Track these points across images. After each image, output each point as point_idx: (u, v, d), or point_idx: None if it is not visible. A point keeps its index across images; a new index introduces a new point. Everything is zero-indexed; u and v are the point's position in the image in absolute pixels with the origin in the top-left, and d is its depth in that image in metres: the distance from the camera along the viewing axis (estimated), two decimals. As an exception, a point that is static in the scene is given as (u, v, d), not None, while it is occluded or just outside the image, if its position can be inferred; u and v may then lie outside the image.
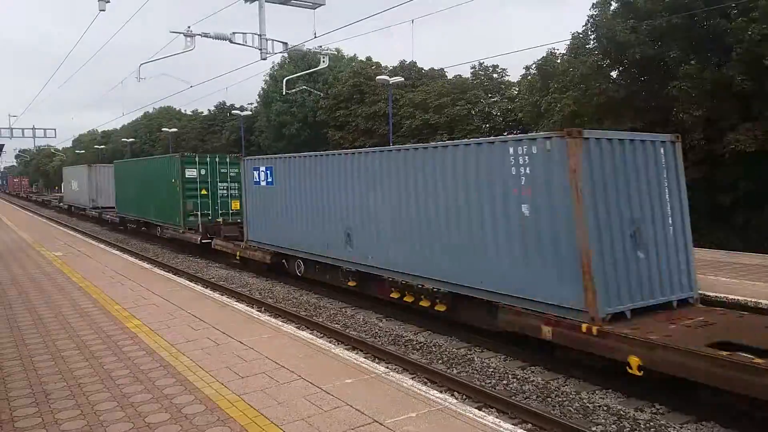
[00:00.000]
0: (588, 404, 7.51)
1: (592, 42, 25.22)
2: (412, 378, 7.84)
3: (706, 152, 20.44)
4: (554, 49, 29.19)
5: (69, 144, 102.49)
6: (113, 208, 31.27)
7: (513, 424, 5.98)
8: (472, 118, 36.99)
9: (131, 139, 71.67)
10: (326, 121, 43.86)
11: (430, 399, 5.71)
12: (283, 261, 15.71)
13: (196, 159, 21.91)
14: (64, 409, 5.49)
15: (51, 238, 22.02)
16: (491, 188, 9.11)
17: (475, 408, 6.15)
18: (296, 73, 36.57)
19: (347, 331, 11.17)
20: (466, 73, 40.05)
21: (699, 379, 6.60)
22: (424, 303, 10.82)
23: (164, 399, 5.71)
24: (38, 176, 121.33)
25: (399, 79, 31.44)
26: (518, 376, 8.57)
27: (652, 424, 6.93)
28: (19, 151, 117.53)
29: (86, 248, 18.96)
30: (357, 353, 8.77)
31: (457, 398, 7.25)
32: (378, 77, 31.99)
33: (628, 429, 6.87)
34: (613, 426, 6.93)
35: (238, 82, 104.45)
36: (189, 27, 16.70)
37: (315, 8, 16.44)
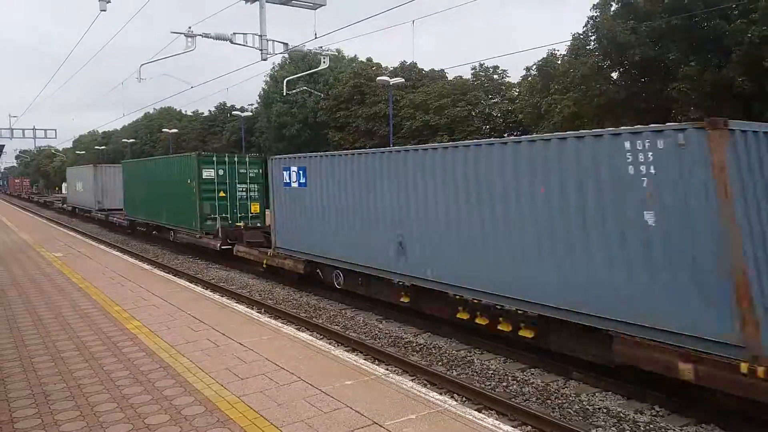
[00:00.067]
0: (588, 406, 7.51)
1: (592, 43, 25.26)
2: (412, 380, 7.84)
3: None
4: (555, 50, 29.25)
5: (69, 145, 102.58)
6: (121, 210, 30.21)
7: (513, 426, 5.99)
8: (473, 119, 37.05)
9: (132, 140, 71.70)
10: (326, 122, 43.90)
11: (429, 401, 5.70)
12: (318, 271, 14.22)
13: (214, 159, 20.47)
14: (63, 410, 5.49)
15: (51, 239, 22.01)
16: (598, 191, 7.56)
17: (475, 410, 6.15)
18: (297, 73, 36.60)
19: (347, 332, 11.17)
20: (467, 74, 40.20)
21: None
22: (504, 327, 9.30)
23: (164, 400, 5.71)
24: (39, 177, 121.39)
25: (399, 80, 31.49)
26: (518, 378, 8.57)
27: (652, 426, 6.93)
28: (19, 152, 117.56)
29: (86, 249, 18.96)
30: (357, 355, 8.76)
31: (456, 400, 7.26)
32: (378, 78, 32.04)
33: (628, 431, 6.86)
34: (613, 428, 6.93)
35: (239, 82, 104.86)
36: (190, 27, 16.67)
37: (315, 9, 16.43)
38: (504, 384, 8.38)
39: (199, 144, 58.56)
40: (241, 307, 10.39)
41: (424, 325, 11.34)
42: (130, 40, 49.03)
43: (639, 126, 7.29)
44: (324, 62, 20.06)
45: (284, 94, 37.63)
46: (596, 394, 7.94)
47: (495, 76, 38.77)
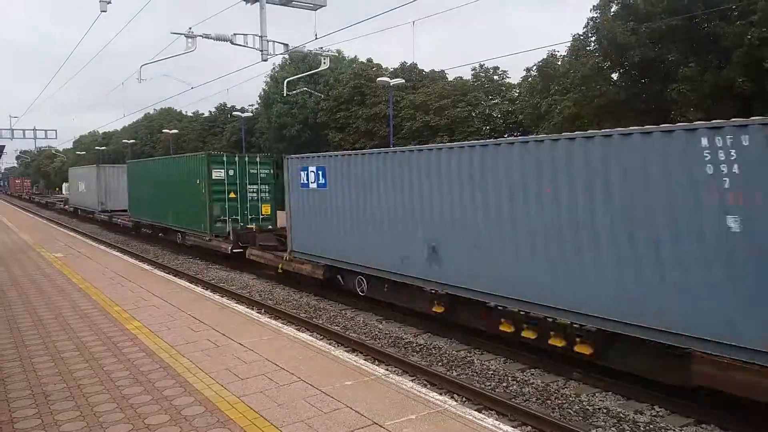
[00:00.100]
0: (588, 407, 7.51)
1: (592, 44, 25.27)
2: (412, 380, 7.84)
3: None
4: (555, 51, 29.25)
5: (70, 145, 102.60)
6: (125, 211, 29.63)
7: (513, 427, 5.99)
8: (473, 120, 37.06)
9: (132, 141, 71.72)
10: (327, 123, 43.89)
11: (429, 401, 5.71)
12: (338, 276, 13.50)
13: (225, 158, 19.82)
14: (63, 411, 5.49)
15: (51, 240, 22.02)
16: (668, 192, 6.89)
17: (475, 410, 6.15)
18: (297, 74, 36.60)
19: (347, 333, 11.17)
20: (467, 74, 40.21)
21: None
22: (556, 341, 8.48)
23: (164, 400, 5.72)
24: (39, 177, 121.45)
25: (400, 80, 31.48)
26: (518, 379, 8.57)
27: (651, 426, 6.93)
28: (19, 152, 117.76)
29: (86, 249, 18.97)
30: (357, 355, 8.77)
31: (456, 400, 7.26)
32: (379, 79, 32.00)
33: (627, 431, 6.87)
34: (613, 428, 6.93)
35: (239, 83, 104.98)
36: (190, 28, 16.66)
37: (316, 10, 16.44)
38: (504, 384, 8.38)
39: (199, 145, 58.57)
40: (241, 308, 10.39)
41: (424, 326, 11.34)
42: (131, 41, 49.11)
43: (718, 121, 6.64)
44: (324, 63, 20.06)
45: (284, 94, 37.61)
46: (596, 395, 7.95)
47: (495, 77, 38.76)
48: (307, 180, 14.12)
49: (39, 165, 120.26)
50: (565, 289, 8.12)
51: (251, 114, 51.47)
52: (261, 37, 16.38)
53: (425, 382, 8.21)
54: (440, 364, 9.36)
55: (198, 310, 9.66)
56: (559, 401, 7.72)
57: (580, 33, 25.81)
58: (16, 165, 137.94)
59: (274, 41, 16.93)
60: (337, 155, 13.46)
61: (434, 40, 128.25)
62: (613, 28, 22.50)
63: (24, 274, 13.66)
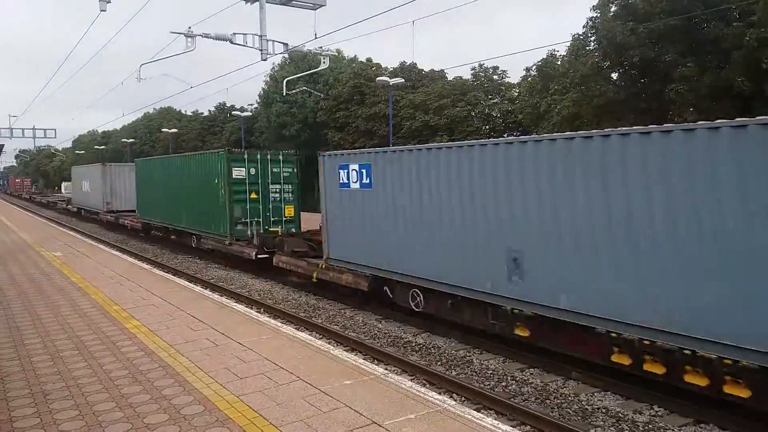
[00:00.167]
0: (587, 406, 7.51)
1: (592, 43, 25.30)
2: (411, 379, 7.84)
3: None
4: (554, 50, 29.30)
5: (69, 144, 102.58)
6: (132, 211, 28.44)
7: (512, 426, 5.98)
8: (472, 120, 37.11)
9: (131, 140, 71.72)
10: (326, 122, 43.92)
11: (428, 400, 5.71)
12: (386, 288, 11.97)
13: (245, 156, 18.41)
14: (62, 410, 5.49)
15: (51, 239, 22.01)
16: None
17: (474, 410, 6.15)
18: (297, 74, 36.61)
19: (346, 332, 11.16)
20: (467, 74, 40.21)
21: None
22: (693, 378, 6.90)
23: (163, 400, 5.71)
24: (38, 176, 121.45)
25: (399, 80, 31.48)
26: (517, 378, 8.57)
27: (650, 426, 6.93)
28: (19, 152, 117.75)
29: (86, 248, 18.97)
30: (356, 354, 8.77)
31: (455, 400, 7.26)
32: (378, 78, 32.02)
33: (626, 431, 6.87)
34: (612, 428, 6.93)
35: (239, 83, 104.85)
36: (190, 28, 16.67)
37: (315, 9, 16.45)
38: (503, 384, 8.39)
39: (198, 144, 58.61)
40: (241, 307, 10.39)
41: (424, 325, 11.34)
42: (130, 40, 49.04)
43: None
44: (324, 62, 20.05)
45: (284, 94, 37.66)
46: (595, 394, 7.95)
47: (495, 77, 38.80)
48: (348, 179, 12.62)
49: (38, 164, 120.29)
50: (727, 314, 6.34)
51: (251, 113, 51.51)
52: (260, 36, 16.39)
53: (424, 382, 8.21)
54: (439, 363, 9.36)
55: (197, 309, 9.66)
56: (558, 401, 7.72)
57: (580, 33, 25.86)
58: (15, 164, 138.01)
59: (273, 41, 16.94)
60: (386, 151, 11.96)
61: (434, 39, 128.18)
62: (613, 28, 22.54)
63: (23, 274, 13.66)
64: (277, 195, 18.54)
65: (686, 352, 6.84)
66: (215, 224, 18.73)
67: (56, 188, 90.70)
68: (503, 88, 38.59)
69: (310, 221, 19.33)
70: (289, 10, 16.33)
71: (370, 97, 40.68)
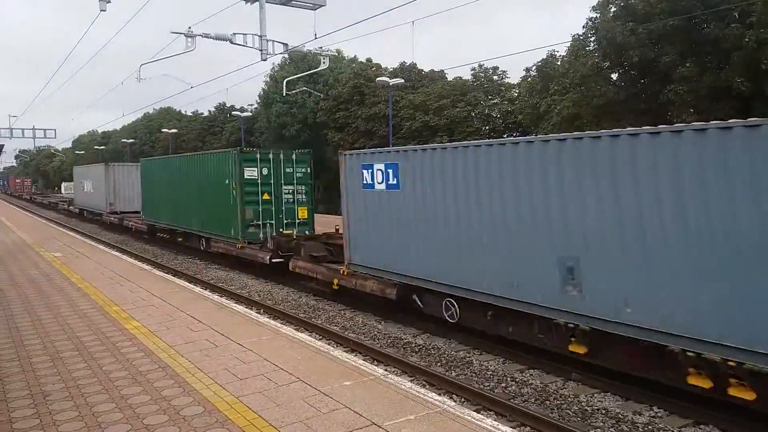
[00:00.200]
0: (586, 407, 7.51)
1: (592, 44, 25.33)
2: (411, 380, 7.84)
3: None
4: (554, 51, 29.33)
5: (69, 145, 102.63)
6: (136, 213, 27.92)
7: (511, 427, 5.99)
8: (472, 120, 37.15)
9: (131, 140, 71.74)
10: (326, 123, 43.95)
11: (428, 401, 5.71)
12: (415, 297, 11.11)
13: (258, 155, 17.73)
14: (62, 411, 5.49)
15: (50, 239, 22.02)
16: None
17: (474, 411, 6.15)
18: (296, 74, 36.64)
19: (346, 333, 11.16)
20: (467, 74, 40.25)
21: None
22: None
23: (163, 401, 5.71)
24: (38, 177, 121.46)
25: (399, 80, 31.52)
26: (517, 379, 8.57)
27: (650, 427, 6.93)
28: (18, 152, 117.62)
29: (85, 249, 18.97)
30: (356, 355, 8.76)
31: (455, 401, 7.25)
32: (378, 79, 32.03)
33: (626, 432, 6.87)
34: (612, 429, 6.93)
35: (239, 83, 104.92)
36: (189, 28, 16.68)
37: (315, 9, 16.46)
38: (503, 385, 8.38)
39: (198, 144, 58.67)
40: (240, 308, 10.39)
41: (423, 326, 11.33)
42: (130, 40, 48.95)
43: None
44: (324, 63, 20.06)
45: (284, 94, 37.67)
46: (595, 395, 7.95)
47: (495, 77, 38.84)
48: (372, 180, 11.80)
49: (38, 164, 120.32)
50: None
51: (250, 113, 51.54)
52: (260, 36, 16.39)
53: (424, 383, 8.21)
54: (439, 364, 9.36)
55: (197, 310, 9.66)
56: (558, 402, 7.72)
57: (580, 33, 25.88)
58: (15, 164, 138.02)
59: (273, 41, 16.95)
60: (416, 149, 11.12)
61: (434, 40, 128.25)
62: (613, 29, 22.57)
63: (23, 274, 13.66)
64: (290, 196, 17.99)
65: None
66: (226, 226, 18.10)
67: (56, 188, 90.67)
68: (503, 88, 38.64)
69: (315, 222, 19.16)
70: (289, 11, 16.35)
71: (369, 98, 40.71)
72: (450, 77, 40.43)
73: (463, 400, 7.69)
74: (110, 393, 5.92)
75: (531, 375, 8.80)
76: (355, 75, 43.04)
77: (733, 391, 6.48)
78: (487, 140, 9.96)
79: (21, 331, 8.42)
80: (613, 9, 24.31)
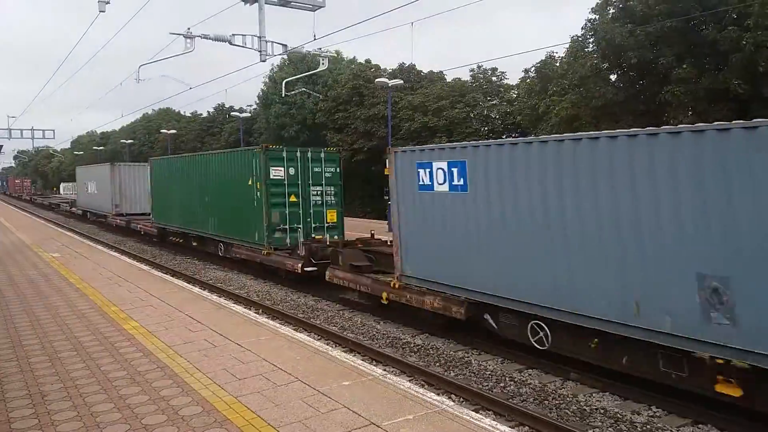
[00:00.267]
0: (585, 407, 7.52)
1: (590, 45, 25.38)
2: (410, 380, 7.84)
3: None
4: (553, 52, 29.39)
5: (68, 145, 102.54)
6: (144, 215, 26.73)
7: (510, 427, 5.99)
8: (471, 121, 37.16)
9: (130, 141, 71.72)
10: (325, 124, 43.97)
11: (427, 401, 5.71)
12: (487, 316, 9.65)
13: (284, 154, 16.22)
14: (60, 411, 5.48)
15: (48, 239, 21.99)
16: None
17: (472, 410, 6.16)
18: (296, 75, 36.65)
19: (345, 333, 11.16)
20: (465, 76, 40.30)
21: None
22: None
23: (161, 401, 5.71)
24: (37, 177, 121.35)
25: (398, 81, 31.51)
26: (515, 379, 8.58)
27: (649, 427, 6.94)
28: (17, 152, 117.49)
29: (84, 249, 18.96)
30: (354, 355, 8.76)
31: (454, 401, 7.26)
32: (377, 80, 32.04)
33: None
34: (610, 429, 6.94)
35: (238, 84, 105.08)
36: (189, 28, 16.66)
37: (315, 10, 16.46)
38: (501, 385, 8.39)
39: (197, 145, 58.68)
40: (239, 308, 10.39)
41: (422, 326, 11.33)
42: (130, 41, 49.01)
43: None
44: (323, 64, 20.06)
45: (283, 95, 37.73)
46: (593, 395, 7.95)
47: (493, 78, 38.88)
48: (431, 180, 10.44)
49: (36, 165, 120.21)
50: None
51: (249, 114, 51.57)
52: (260, 37, 16.39)
53: (423, 383, 8.21)
54: (438, 364, 9.36)
55: (195, 310, 9.66)
56: (557, 401, 7.73)
57: (579, 34, 25.93)
58: (13, 164, 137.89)
59: (272, 42, 16.94)
60: (489, 144, 9.51)
61: (433, 40, 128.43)
62: (611, 30, 22.61)
63: (21, 274, 13.64)
64: (319, 198, 16.60)
65: None
66: (248, 231, 16.73)
67: (54, 189, 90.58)
68: (502, 89, 38.68)
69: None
70: (288, 12, 16.34)
71: (369, 99, 40.73)
72: (449, 78, 40.55)
73: (461, 399, 7.69)
74: (109, 393, 5.92)
75: (529, 375, 8.81)
76: (354, 76, 43.08)
77: None
78: (580, 134, 8.18)
79: (19, 331, 8.42)
80: (611, 10, 24.36)
